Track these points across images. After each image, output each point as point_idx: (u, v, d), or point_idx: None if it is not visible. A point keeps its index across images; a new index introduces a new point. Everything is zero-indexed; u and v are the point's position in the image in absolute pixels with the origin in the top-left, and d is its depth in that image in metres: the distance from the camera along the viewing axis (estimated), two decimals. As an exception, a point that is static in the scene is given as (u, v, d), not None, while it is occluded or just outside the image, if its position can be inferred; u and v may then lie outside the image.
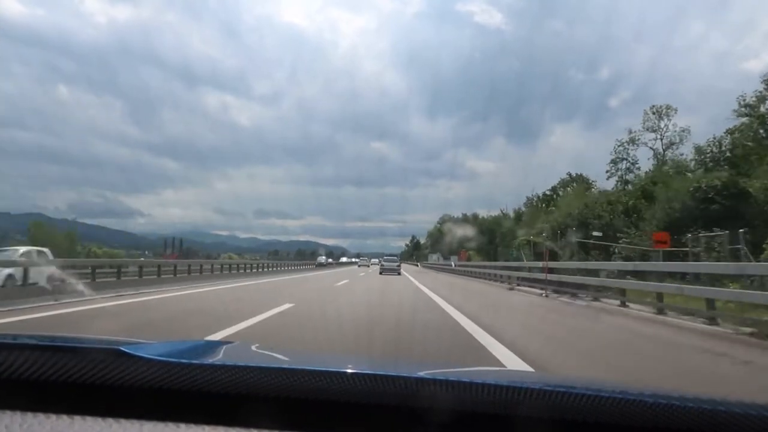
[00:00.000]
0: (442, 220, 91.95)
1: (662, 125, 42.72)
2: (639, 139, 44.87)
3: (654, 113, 43.85)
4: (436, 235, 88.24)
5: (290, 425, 0.84)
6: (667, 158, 43.03)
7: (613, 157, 46.38)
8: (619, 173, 44.59)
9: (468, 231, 65.06)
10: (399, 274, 32.74)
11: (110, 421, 0.80)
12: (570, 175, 53.46)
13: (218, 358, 1.20)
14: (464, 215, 72.63)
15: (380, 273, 33.05)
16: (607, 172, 44.85)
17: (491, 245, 53.75)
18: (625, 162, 45.97)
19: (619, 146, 45.60)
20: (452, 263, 41.01)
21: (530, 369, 4.62)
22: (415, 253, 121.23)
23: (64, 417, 0.81)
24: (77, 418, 0.80)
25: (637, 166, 45.35)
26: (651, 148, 43.33)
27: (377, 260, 52.20)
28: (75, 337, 1.30)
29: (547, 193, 55.81)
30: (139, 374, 0.90)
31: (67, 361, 0.91)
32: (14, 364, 0.90)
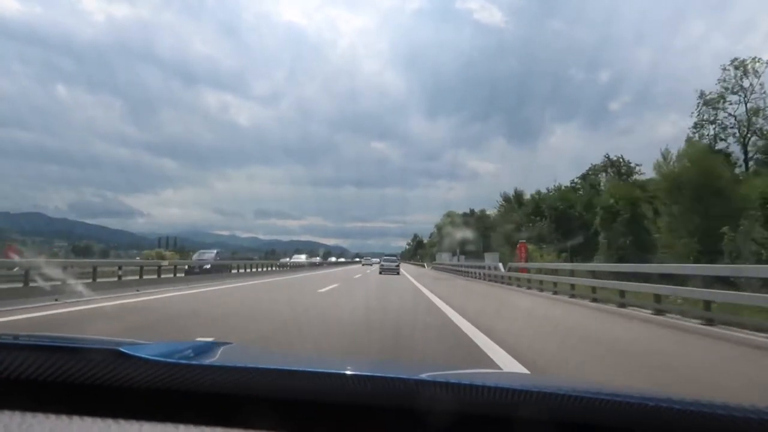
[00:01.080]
0: (450, 214, 78.43)
1: (747, 84, 31.89)
2: (726, 98, 33.43)
3: (737, 68, 32.57)
4: (446, 229, 74.37)
5: (289, 427, 0.84)
6: (755, 127, 31.98)
7: (695, 119, 34.55)
8: (706, 140, 33.21)
9: (467, 230, 53.04)
10: (398, 273, 33.31)
11: (109, 421, 0.80)
12: (608, 157, 43.63)
13: (217, 359, 1.19)
14: (504, 194, 51.71)
15: (380, 272, 33.66)
16: (686, 141, 33.99)
17: (561, 233, 35.50)
18: (714, 126, 34.31)
19: (703, 104, 33.99)
20: (498, 266, 25.00)
21: (526, 371, 4.50)
22: (419, 251, 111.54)
23: (63, 417, 0.80)
24: (76, 419, 0.80)
25: (732, 129, 33.81)
26: (731, 114, 32.77)
27: (377, 260, 52.53)
28: (74, 338, 1.30)
29: (576, 181, 47.01)
30: (138, 375, 0.89)
31: (66, 361, 0.90)
32: (13, 363, 0.89)
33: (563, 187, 45.09)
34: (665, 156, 31.16)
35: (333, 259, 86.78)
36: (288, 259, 53.10)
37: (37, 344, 1.06)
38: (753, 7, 71.01)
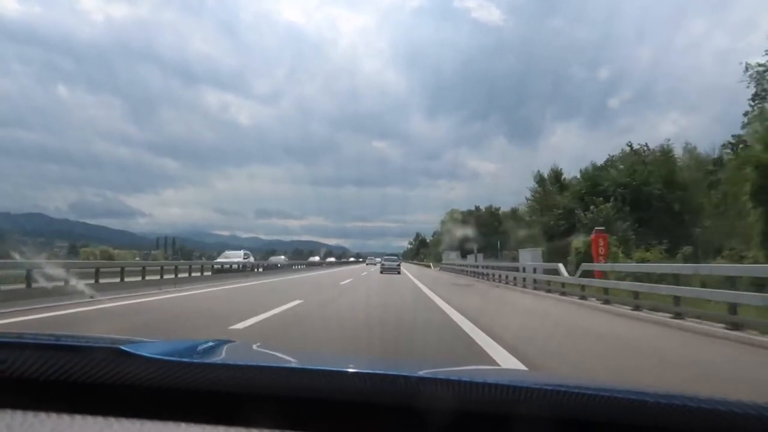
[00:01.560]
0: (455, 211, 69.03)
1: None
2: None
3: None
4: (453, 226, 64.67)
5: (291, 424, 0.83)
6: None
7: (754, 89, 27.43)
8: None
9: (477, 226, 46.84)
10: (398, 272, 32.61)
11: (111, 420, 0.80)
12: (630, 146, 37.55)
13: (219, 357, 1.18)
14: (538, 174, 41.02)
15: (381, 271, 33.07)
16: (745, 114, 26.63)
17: (637, 218, 24.72)
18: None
19: (765, 70, 26.92)
20: (558, 268, 15.33)
21: (524, 367, 4.50)
22: (422, 251, 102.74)
23: (65, 416, 0.80)
24: (78, 417, 0.80)
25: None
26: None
27: (379, 259, 51.43)
28: (76, 336, 1.27)
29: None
30: (140, 373, 0.88)
31: (67, 360, 0.89)
32: (15, 362, 0.88)
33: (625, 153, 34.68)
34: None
35: (316, 258, 59.62)
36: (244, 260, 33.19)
37: (39, 343, 1.05)
38: (754, 6, 67.20)
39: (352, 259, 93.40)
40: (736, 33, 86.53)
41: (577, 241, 20.85)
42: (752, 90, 27.45)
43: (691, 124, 79.56)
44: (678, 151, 32.44)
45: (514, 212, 49.15)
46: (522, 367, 4.68)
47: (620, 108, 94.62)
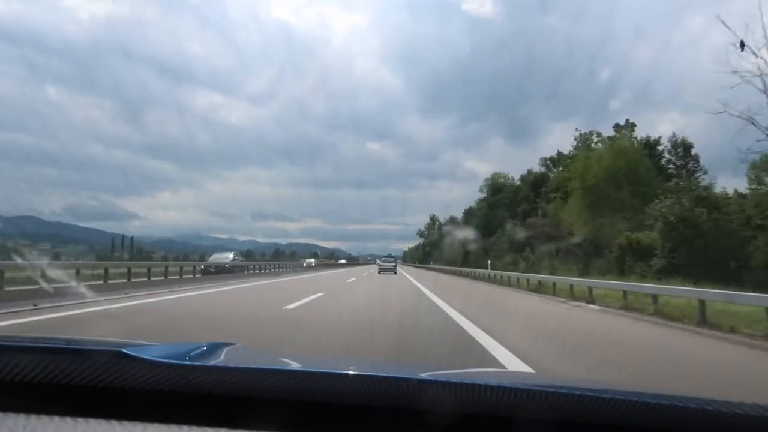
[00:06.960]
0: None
1: None
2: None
3: None
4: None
5: (293, 427, 0.84)
6: None
7: None
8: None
9: None
10: (395, 272, 34.04)
11: (113, 423, 0.80)
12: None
13: (221, 360, 1.18)
14: None
15: (379, 272, 33.99)
16: None
17: None
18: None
19: None
20: None
21: (531, 370, 4.43)
22: (442, 243, 62.54)
23: (67, 419, 0.80)
24: (80, 421, 0.80)
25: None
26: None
27: (379, 260, 51.63)
28: (77, 339, 1.27)
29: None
30: (142, 376, 0.89)
31: (69, 363, 0.90)
32: (17, 366, 0.89)
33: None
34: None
35: (229, 256, 30.42)
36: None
37: (41, 346, 1.06)
38: (753, 3, 63.56)
39: (341, 260, 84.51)
40: (736, 31, 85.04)
41: None
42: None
43: (689, 123, 78.63)
44: None
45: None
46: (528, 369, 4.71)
47: (618, 107, 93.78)
